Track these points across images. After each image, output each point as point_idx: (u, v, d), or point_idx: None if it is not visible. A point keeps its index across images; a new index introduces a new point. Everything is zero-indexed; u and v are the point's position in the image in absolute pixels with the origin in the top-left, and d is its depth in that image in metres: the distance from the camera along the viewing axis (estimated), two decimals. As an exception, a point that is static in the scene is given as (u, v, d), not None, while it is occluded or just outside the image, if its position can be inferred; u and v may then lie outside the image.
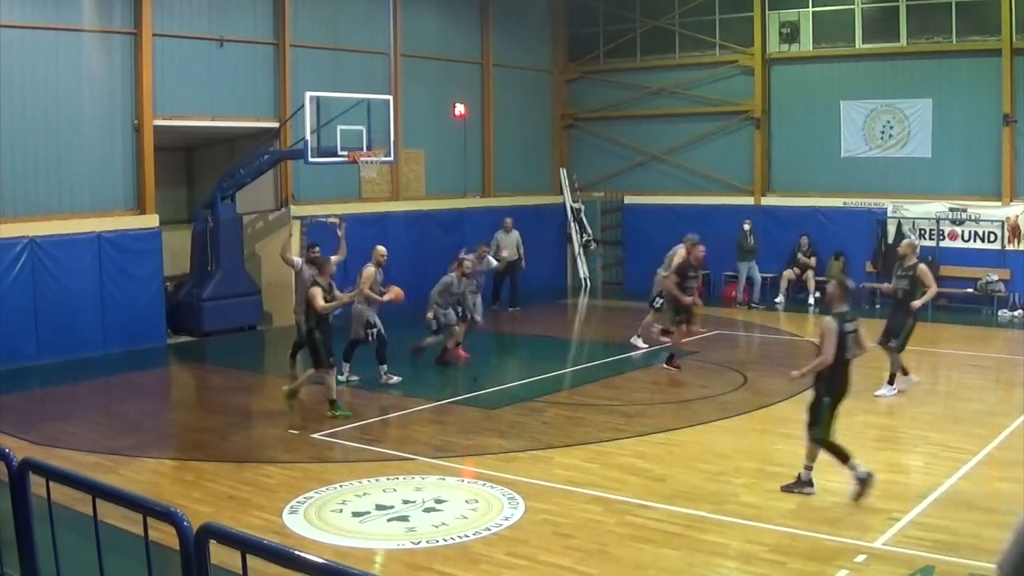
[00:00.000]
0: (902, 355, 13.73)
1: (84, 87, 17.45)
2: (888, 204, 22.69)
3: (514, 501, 9.45)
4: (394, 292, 14.50)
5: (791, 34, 24.04)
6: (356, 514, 9.19)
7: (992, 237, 21.46)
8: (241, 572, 3.65)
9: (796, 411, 13.02)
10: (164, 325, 18.63)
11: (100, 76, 17.64)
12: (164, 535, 4.09)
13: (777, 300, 22.86)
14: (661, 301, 17.11)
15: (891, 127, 22.91)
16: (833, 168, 23.59)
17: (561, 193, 27.11)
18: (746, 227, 22.72)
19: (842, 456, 9.38)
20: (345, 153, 18.64)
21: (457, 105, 24.45)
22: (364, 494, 9.75)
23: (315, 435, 12.16)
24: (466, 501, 9.53)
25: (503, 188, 25.79)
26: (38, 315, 16.55)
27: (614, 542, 8.41)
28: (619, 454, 11.16)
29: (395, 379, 14.65)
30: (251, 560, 3.62)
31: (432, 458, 11.05)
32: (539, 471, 10.49)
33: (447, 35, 24.33)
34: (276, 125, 20.29)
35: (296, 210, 20.73)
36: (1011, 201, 21.31)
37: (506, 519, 8.99)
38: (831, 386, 9.58)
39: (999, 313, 20.86)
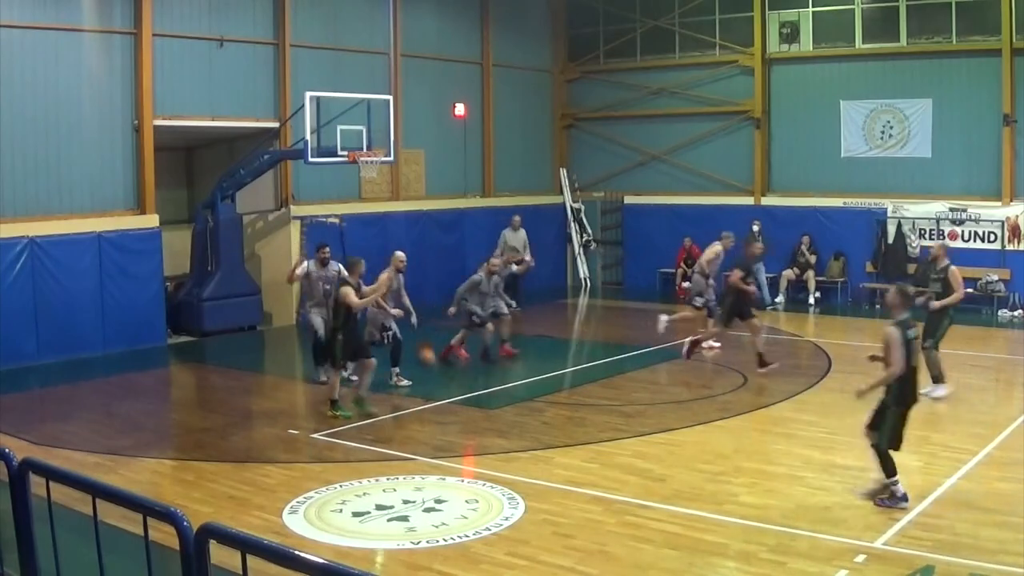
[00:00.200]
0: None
1: (84, 87, 17.45)
2: (888, 204, 22.69)
3: (514, 501, 9.45)
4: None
5: (791, 34, 24.05)
6: (356, 514, 9.19)
7: (992, 237, 21.46)
8: (241, 572, 3.65)
9: (796, 411, 13.11)
10: (164, 325, 18.64)
11: (100, 76, 17.64)
12: (164, 535, 4.08)
13: (777, 300, 22.85)
14: (703, 300, 17.19)
15: (891, 127, 22.91)
16: (833, 168, 23.59)
17: (561, 193, 27.11)
18: (755, 228, 22.64)
19: (890, 470, 9.17)
20: (345, 153, 18.65)
21: (457, 105, 24.46)
22: (364, 494, 9.75)
23: (315, 435, 12.17)
24: (466, 501, 9.53)
25: (503, 188, 25.79)
26: (38, 315, 16.55)
27: (614, 542, 8.41)
28: (619, 454, 11.15)
29: (405, 382, 14.58)
30: (251, 560, 3.62)
31: (432, 458, 11.05)
32: (539, 471, 10.49)
33: (447, 35, 24.33)
34: (276, 125, 20.30)
35: (296, 210, 20.75)
36: (1011, 201, 21.31)
37: (506, 519, 8.99)
38: (901, 396, 9.23)
39: (999, 313, 20.85)
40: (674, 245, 24.71)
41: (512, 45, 25.99)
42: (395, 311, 14.30)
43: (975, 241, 21.61)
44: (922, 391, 13.22)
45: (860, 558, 7.92)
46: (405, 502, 9.49)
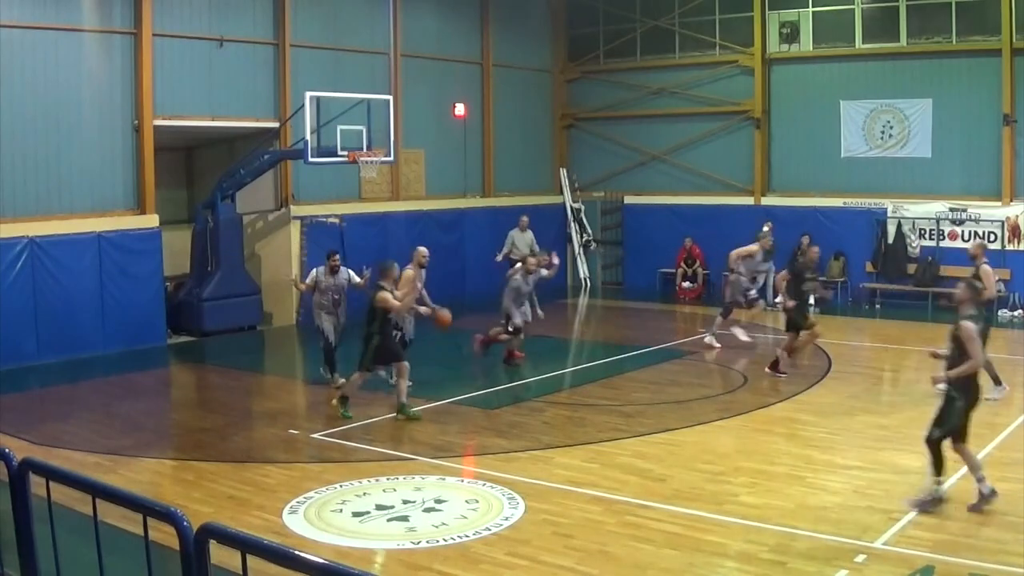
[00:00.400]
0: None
1: (84, 87, 17.45)
2: (888, 204, 22.70)
3: (514, 501, 9.45)
4: (441, 317, 14.05)
5: (791, 34, 24.05)
6: (356, 514, 9.19)
7: (992, 237, 21.45)
8: (241, 572, 3.65)
9: (796, 411, 13.11)
10: (164, 325, 18.64)
11: (100, 76, 17.64)
12: (164, 535, 4.08)
13: (777, 300, 22.80)
14: (755, 294, 17.39)
15: (891, 127, 22.91)
16: (833, 168, 23.59)
17: (561, 193, 27.11)
18: (765, 228, 22.54)
19: (939, 466, 9.11)
20: (345, 153, 18.65)
21: (457, 105, 24.46)
22: (364, 494, 9.75)
23: (315, 435, 12.17)
24: (466, 501, 9.53)
25: (503, 188, 25.80)
26: (38, 315, 16.55)
27: (614, 542, 8.41)
28: (619, 454, 11.15)
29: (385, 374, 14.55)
30: (251, 560, 3.62)
31: (432, 458, 11.05)
32: (539, 471, 10.49)
33: (447, 35, 24.33)
34: (276, 125, 20.30)
35: (296, 210, 20.75)
36: (1011, 201, 21.32)
37: (506, 519, 8.99)
38: (967, 390, 9.15)
39: (999, 313, 20.84)
40: (674, 245, 24.72)
41: (512, 45, 26.00)
42: (423, 309, 14.17)
43: (975, 241, 21.58)
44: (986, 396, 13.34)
45: (860, 558, 7.92)
46: (405, 502, 9.49)
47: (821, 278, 22.77)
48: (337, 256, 15.02)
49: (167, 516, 3.95)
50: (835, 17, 23.53)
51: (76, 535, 5.32)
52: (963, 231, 21.79)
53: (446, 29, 24.33)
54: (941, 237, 21.96)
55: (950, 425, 9.15)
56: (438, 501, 9.50)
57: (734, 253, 17.43)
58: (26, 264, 16.41)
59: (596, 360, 17.15)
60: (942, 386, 9.49)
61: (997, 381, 13.52)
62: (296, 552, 3.55)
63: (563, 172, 27.24)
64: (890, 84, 22.84)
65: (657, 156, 26.18)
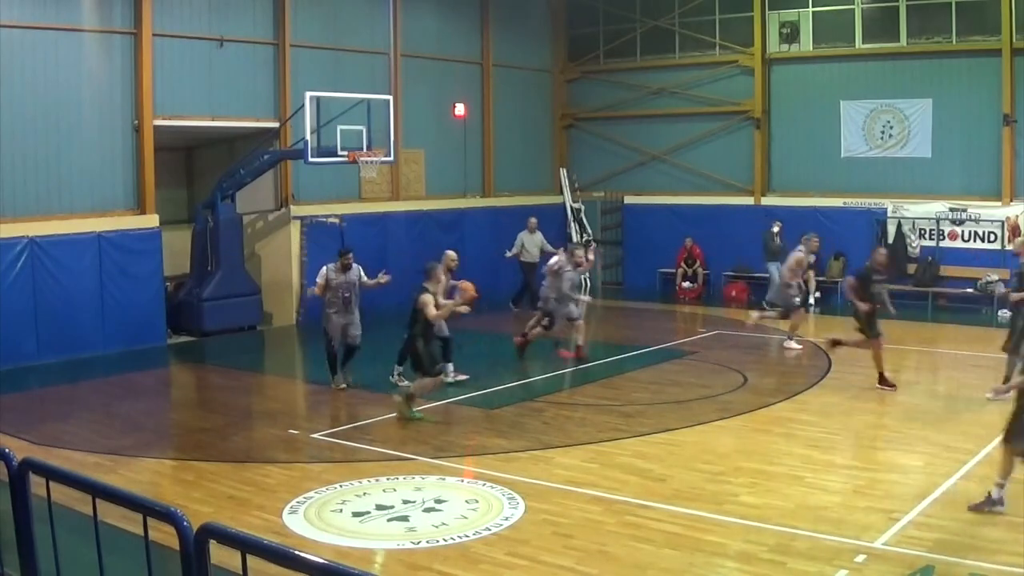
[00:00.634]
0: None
1: (84, 87, 17.45)
2: (888, 204, 22.71)
3: (514, 501, 9.45)
4: (465, 292, 13.40)
5: (791, 34, 24.05)
6: (356, 514, 9.19)
7: (992, 237, 21.46)
8: (241, 572, 3.65)
9: (796, 411, 13.10)
10: (164, 325, 18.65)
11: (100, 76, 17.65)
12: (164, 535, 4.08)
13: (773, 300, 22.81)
14: (780, 308, 17.32)
15: (891, 127, 22.92)
16: (833, 168, 23.60)
17: (561, 193, 27.11)
18: (775, 228, 22.55)
19: (1007, 470, 8.96)
20: (345, 153, 18.65)
21: (457, 105, 24.46)
22: (364, 494, 9.75)
23: (315, 435, 12.17)
24: (466, 501, 9.53)
25: (503, 188, 25.80)
26: (38, 315, 16.55)
27: (614, 542, 8.41)
28: (619, 454, 11.15)
29: (405, 383, 14.50)
30: (251, 560, 3.62)
31: (432, 458, 11.05)
32: (539, 471, 10.49)
33: (447, 35, 24.34)
34: (276, 125, 20.30)
35: (296, 210, 20.76)
36: (1011, 201, 21.32)
37: (506, 519, 8.99)
38: None
39: (999, 313, 20.81)
40: (674, 245, 24.72)
41: (512, 45, 26.00)
42: (462, 308, 13.56)
43: (975, 241, 21.62)
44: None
45: (860, 558, 7.91)
46: (405, 502, 9.49)
47: (820, 278, 22.84)
48: (350, 255, 14.76)
49: (167, 516, 3.95)
50: (835, 17, 23.53)
51: (76, 535, 5.32)
52: (963, 231, 21.81)
53: (446, 29, 24.34)
54: (941, 237, 21.96)
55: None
56: (438, 501, 9.50)
57: (787, 270, 17.28)
58: (26, 264, 16.42)
59: (596, 360, 17.11)
60: (1001, 388, 9.30)
61: None
62: (296, 552, 3.55)
63: (563, 172, 27.23)
64: (890, 84, 22.85)
65: (657, 156, 26.19)
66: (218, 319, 19.27)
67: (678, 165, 25.96)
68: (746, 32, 24.62)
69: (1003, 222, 21.29)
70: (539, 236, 22.54)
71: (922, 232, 22.31)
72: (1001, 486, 8.90)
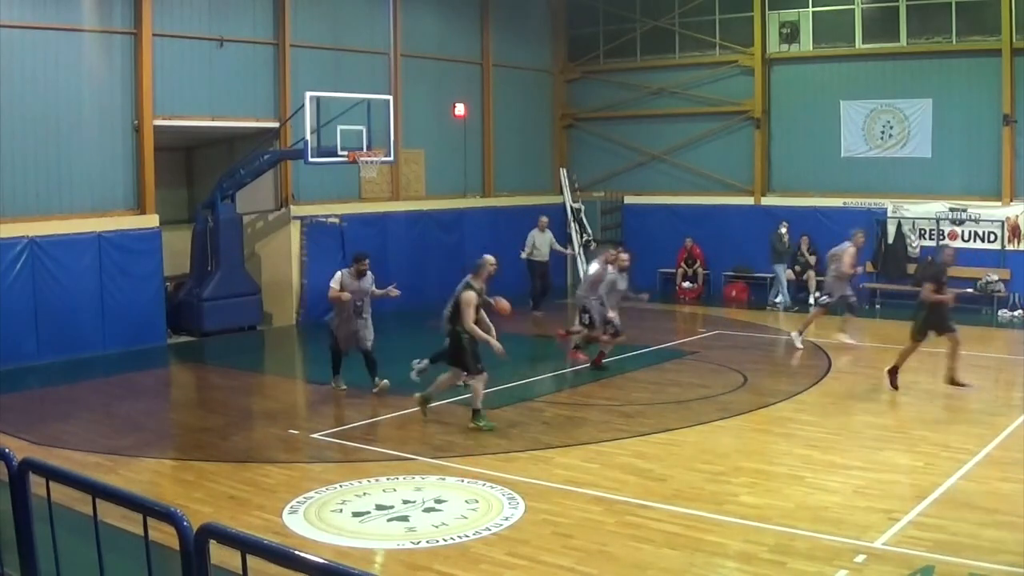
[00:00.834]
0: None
1: (84, 87, 17.45)
2: (888, 204, 22.71)
3: (514, 501, 9.45)
4: (500, 307, 12.99)
5: (791, 34, 24.05)
6: (356, 514, 9.19)
7: (992, 237, 21.47)
8: (241, 572, 3.65)
9: (796, 411, 13.11)
10: (164, 325, 18.65)
11: (100, 76, 17.65)
12: (164, 535, 4.09)
13: (777, 300, 22.84)
14: (827, 299, 17.23)
15: (891, 127, 22.92)
16: (833, 168, 23.60)
17: (561, 193, 27.10)
18: (782, 229, 22.51)
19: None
20: (345, 153, 18.65)
21: (457, 105, 24.46)
22: (364, 494, 9.75)
23: (315, 435, 12.17)
24: (466, 501, 9.53)
25: (503, 188, 25.81)
26: (38, 315, 16.56)
27: (614, 542, 8.41)
28: (619, 454, 11.15)
29: (421, 365, 14.35)
30: (251, 560, 3.62)
31: (432, 458, 11.05)
32: (539, 471, 10.50)
33: (447, 35, 24.34)
34: (276, 125, 20.30)
35: (296, 210, 20.76)
36: (1011, 201, 21.33)
37: (506, 519, 8.99)
38: None
39: (999, 313, 20.86)
40: (674, 245, 24.73)
41: (512, 45, 26.00)
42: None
43: (975, 241, 21.62)
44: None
45: (860, 558, 7.91)
46: (405, 502, 9.49)
47: (820, 278, 22.81)
48: (366, 260, 14.28)
49: (167, 516, 3.95)
50: (835, 17, 23.54)
51: (76, 535, 5.33)
52: (963, 231, 21.80)
53: (446, 29, 24.34)
54: (941, 237, 21.96)
55: None
56: (438, 501, 9.50)
57: (843, 265, 17.18)
58: (26, 264, 16.42)
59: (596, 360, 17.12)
60: None
61: None
62: (296, 552, 3.55)
63: (563, 172, 27.23)
64: (890, 84, 22.85)
65: (657, 156, 26.19)
66: (218, 319, 19.28)
67: (678, 165, 25.96)
68: (746, 32, 24.62)
69: (1003, 222, 21.29)
70: (549, 235, 22.55)
71: (922, 232, 22.31)
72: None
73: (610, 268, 16.11)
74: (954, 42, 22.03)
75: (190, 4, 18.90)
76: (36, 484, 4.81)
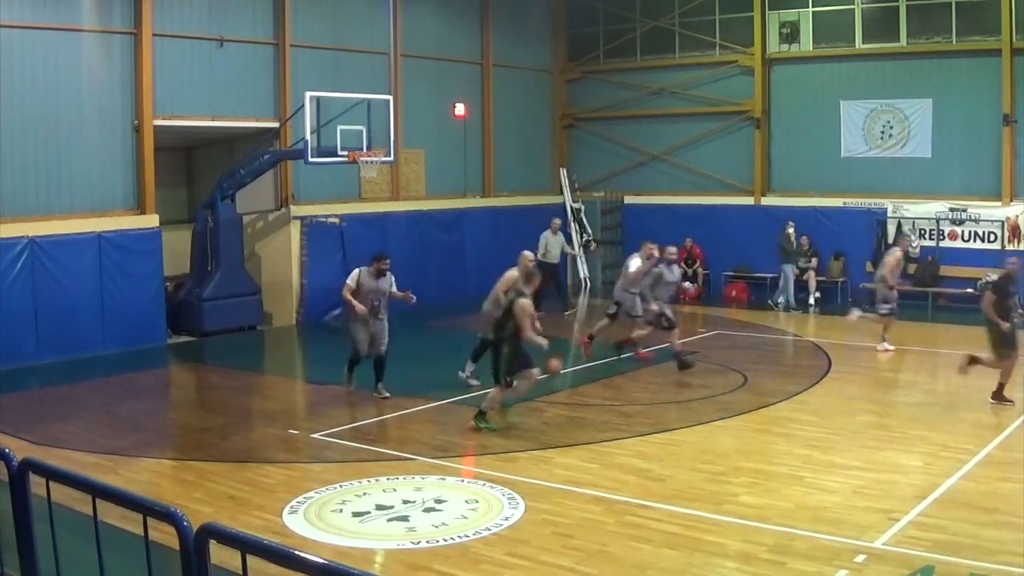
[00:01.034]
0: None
1: (84, 87, 17.45)
2: (888, 204, 22.71)
3: (514, 501, 9.45)
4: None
5: (791, 34, 24.06)
6: (356, 514, 9.19)
7: (992, 237, 21.47)
8: (241, 572, 3.65)
9: (796, 411, 13.10)
10: (164, 325, 18.64)
11: (100, 76, 17.64)
12: (164, 535, 4.09)
13: (779, 300, 22.84)
14: (889, 307, 16.98)
15: (891, 127, 22.92)
16: (833, 168, 23.61)
17: (561, 193, 27.11)
18: (789, 230, 22.48)
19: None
20: (345, 153, 18.65)
21: (457, 105, 24.46)
22: (364, 494, 9.75)
23: (315, 435, 12.16)
24: (466, 501, 9.53)
25: (503, 188, 25.81)
26: (38, 315, 16.55)
27: (614, 542, 8.41)
28: (619, 454, 11.15)
29: (474, 382, 14.32)
30: (251, 560, 3.62)
31: (432, 458, 11.05)
32: (539, 471, 10.49)
33: (447, 35, 24.34)
34: (276, 125, 20.30)
35: (296, 210, 20.76)
36: (1011, 201, 21.33)
37: (506, 519, 8.99)
38: None
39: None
40: (674, 245, 24.65)
41: (512, 45, 26.00)
42: (537, 339, 12.56)
43: (975, 241, 21.62)
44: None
45: (860, 558, 7.91)
46: (405, 502, 9.49)
47: (820, 278, 22.84)
48: (387, 260, 13.88)
49: (167, 516, 3.95)
50: (835, 17, 23.54)
51: (76, 535, 5.33)
52: (963, 231, 21.81)
53: (446, 29, 24.34)
54: (941, 237, 21.97)
55: None
56: (438, 501, 9.50)
57: (883, 270, 17.05)
58: (26, 264, 16.41)
59: (596, 360, 17.13)
60: None
61: None
62: (296, 552, 3.55)
63: (563, 172, 27.23)
64: (890, 84, 22.86)
65: (657, 156, 26.19)
66: (218, 319, 19.27)
67: (678, 165, 25.96)
68: (746, 32, 24.62)
69: (1003, 222, 21.29)
70: (561, 237, 22.51)
71: (922, 232, 22.31)
72: None
73: (663, 264, 16.06)
74: (954, 42, 22.03)
75: (190, 4, 18.89)
76: (36, 484, 4.81)
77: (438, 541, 8.47)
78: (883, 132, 23.02)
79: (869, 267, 22.70)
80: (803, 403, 13.59)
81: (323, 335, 20.32)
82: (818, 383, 14.80)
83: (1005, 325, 12.97)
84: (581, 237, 26.75)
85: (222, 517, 8.65)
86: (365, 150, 18.97)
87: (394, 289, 13.91)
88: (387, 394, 13.80)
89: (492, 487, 9.92)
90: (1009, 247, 21.18)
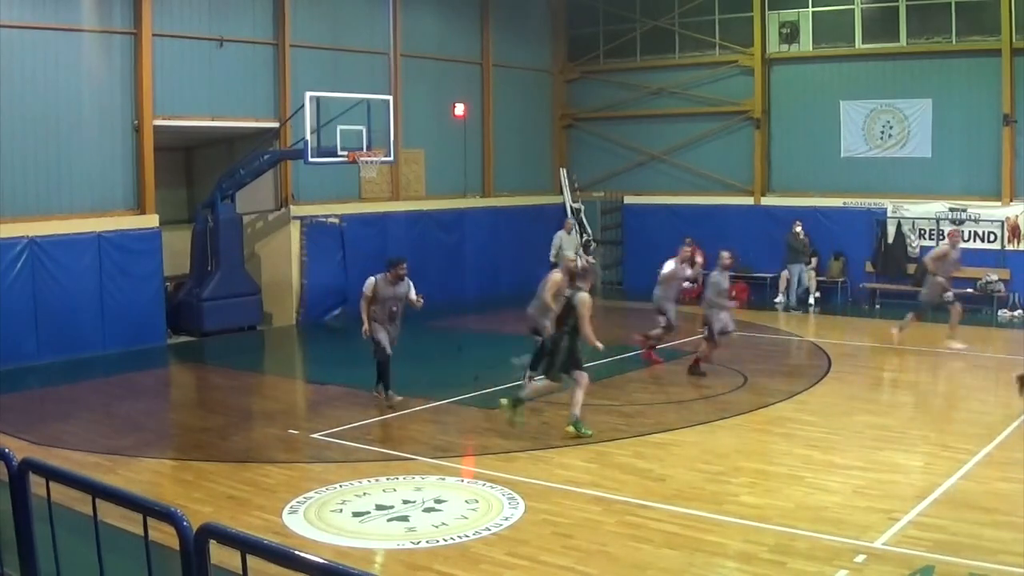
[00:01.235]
0: None
1: (84, 87, 17.45)
2: (888, 204, 22.71)
3: (514, 501, 9.45)
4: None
5: (791, 34, 24.05)
6: (356, 514, 9.19)
7: (992, 237, 21.46)
8: (241, 572, 3.65)
9: (796, 411, 13.10)
10: (164, 325, 18.64)
11: (100, 76, 17.64)
12: (164, 535, 4.09)
13: (777, 300, 22.85)
14: (951, 296, 16.89)
15: (891, 127, 22.92)
16: (833, 168, 23.60)
17: (561, 193, 27.11)
18: (797, 229, 22.48)
19: None
20: (345, 153, 18.66)
21: (457, 105, 24.45)
22: (364, 494, 9.75)
23: (315, 435, 12.16)
24: (466, 501, 9.53)
25: (503, 188, 25.80)
26: (38, 315, 16.55)
27: (613, 542, 8.41)
28: (619, 454, 11.15)
29: (538, 380, 14.25)
30: (251, 560, 3.62)
31: (432, 458, 11.05)
32: (539, 471, 10.49)
33: (447, 35, 24.34)
34: (276, 125, 20.30)
35: (296, 210, 20.76)
36: (1011, 201, 21.33)
37: (506, 519, 8.99)
38: None
39: (999, 313, 20.85)
40: (674, 245, 24.58)
41: (512, 45, 25.99)
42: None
43: (975, 241, 21.60)
44: None
45: (860, 558, 7.91)
46: (405, 502, 9.49)
47: (820, 278, 22.84)
48: (404, 264, 13.37)
49: (167, 516, 3.95)
50: (835, 17, 23.53)
51: (76, 535, 5.33)
52: (963, 231, 21.78)
53: (446, 29, 24.34)
54: (941, 237, 21.94)
55: None
56: (438, 501, 9.50)
57: (928, 258, 16.95)
58: (26, 264, 16.42)
59: (596, 360, 17.10)
60: None
61: None
62: (296, 552, 3.55)
63: (563, 172, 27.23)
64: (890, 84, 22.85)
65: (657, 156, 26.19)
66: (218, 319, 19.27)
67: (678, 165, 25.96)
68: (746, 32, 24.62)
69: (1003, 222, 21.29)
70: (576, 237, 22.38)
71: (922, 232, 22.31)
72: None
73: (716, 271, 15.82)
74: (954, 42, 22.03)
75: (190, 4, 18.89)
76: (36, 484, 4.81)
77: (438, 541, 8.47)
78: (883, 132, 23.01)
79: (869, 267, 22.74)
80: (803, 403, 13.59)
81: (323, 335, 20.33)
82: (818, 383, 14.80)
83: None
84: (581, 237, 26.72)
85: (222, 517, 8.66)
86: (365, 150, 18.98)
87: (412, 294, 13.47)
88: (398, 398, 13.55)
89: (492, 487, 9.92)
90: (1009, 247, 21.20)
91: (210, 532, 3.78)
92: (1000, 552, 7.92)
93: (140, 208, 18.35)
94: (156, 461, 11.24)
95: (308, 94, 18.40)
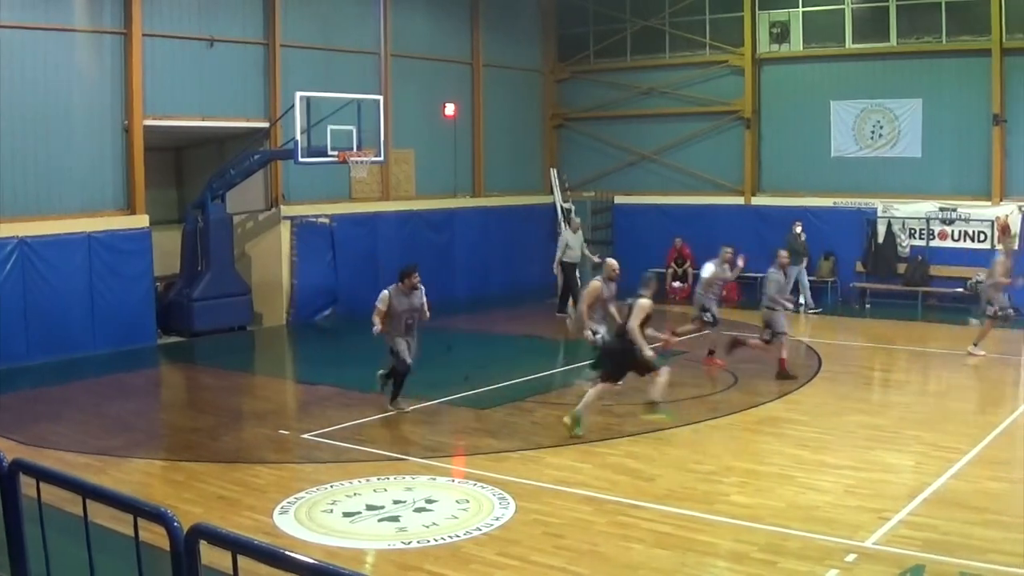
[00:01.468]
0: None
1: (74, 87, 17.40)
2: (878, 204, 22.75)
3: (505, 501, 9.45)
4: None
5: (781, 34, 24.08)
6: (347, 514, 9.18)
7: (982, 237, 21.51)
8: (232, 573, 3.64)
9: (787, 410, 13.11)
10: (154, 325, 18.60)
11: (90, 76, 17.60)
12: (154, 536, 4.07)
13: (798, 302, 22.77)
14: (993, 309, 16.75)
15: (881, 127, 22.96)
16: (823, 168, 23.63)
17: (551, 193, 27.08)
18: (796, 229, 22.45)
19: None
20: (335, 153, 18.64)
21: (447, 105, 24.44)
22: (355, 494, 9.74)
23: (305, 435, 12.14)
24: (457, 501, 9.52)
25: (493, 188, 25.79)
26: (28, 315, 16.50)
27: (605, 542, 8.41)
28: (610, 454, 11.15)
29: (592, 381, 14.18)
30: (242, 561, 3.61)
31: (423, 458, 11.04)
32: (530, 471, 10.49)
33: (437, 35, 24.32)
34: (266, 125, 20.26)
35: (286, 210, 20.73)
36: (1000, 201, 21.38)
37: (497, 519, 8.98)
38: None
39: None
40: (664, 245, 24.71)
41: (502, 45, 25.99)
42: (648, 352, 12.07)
43: (965, 241, 21.66)
44: None
45: (851, 557, 7.93)
46: (395, 502, 9.48)
47: (811, 278, 22.85)
48: (416, 272, 12.96)
49: (157, 517, 3.93)
50: (825, 17, 23.57)
51: (66, 536, 5.30)
52: (953, 231, 21.86)
53: (436, 29, 24.32)
54: (931, 237, 22.02)
55: None
56: (429, 501, 9.50)
57: (1000, 267, 16.87)
58: (16, 264, 16.36)
59: (586, 360, 17.11)
60: None
61: None
62: (287, 552, 3.54)
63: (553, 172, 27.18)
64: (880, 84, 22.89)
65: (647, 156, 26.20)
66: (208, 319, 19.23)
67: (668, 165, 25.97)
68: (736, 32, 24.65)
69: (992, 222, 21.33)
70: (581, 234, 22.22)
71: (912, 232, 22.35)
72: None
73: (773, 268, 15.71)
74: (944, 42, 22.08)
75: (180, 4, 18.85)
76: (26, 485, 4.79)
77: (429, 541, 8.46)
78: (873, 132, 23.06)
79: (859, 267, 22.77)
80: (794, 403, 13.61)
81: (313, 335, 20.31)
82: (809, 383, 14.83)
83: None
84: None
85: (212, 517, 8.64)
86: (355, 150, 18.96)
87: (425, 304, 13.07)
88: (407, 409, 13.33)
89: (483, 487, 9.91)
90: (998, 247, 21.23)
91: (201, 532, 3.77)
92: (990, 551, 7.94)
93: (130, 208, 18.31)
94: (146, 462, 11.21)
95: (298, 94, 18.38)
